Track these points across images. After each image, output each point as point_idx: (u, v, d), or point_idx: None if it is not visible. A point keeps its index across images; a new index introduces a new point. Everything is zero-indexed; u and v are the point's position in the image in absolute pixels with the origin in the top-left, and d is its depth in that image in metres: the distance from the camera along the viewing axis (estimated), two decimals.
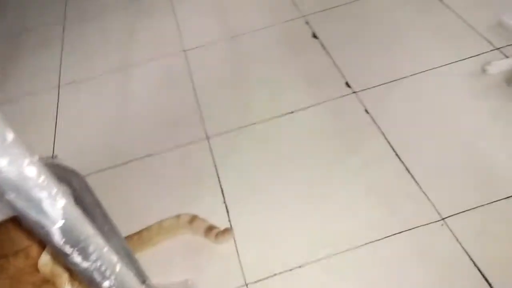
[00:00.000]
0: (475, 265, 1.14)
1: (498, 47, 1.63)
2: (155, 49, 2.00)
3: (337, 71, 1.68)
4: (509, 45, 1.62)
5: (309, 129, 1.52)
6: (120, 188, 1.49)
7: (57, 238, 0.50)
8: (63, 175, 0.71)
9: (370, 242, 1.22)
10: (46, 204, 0.48)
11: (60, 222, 0.50)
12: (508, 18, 1.66)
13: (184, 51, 1.94)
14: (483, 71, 1.55)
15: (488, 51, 1.62)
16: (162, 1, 2.27)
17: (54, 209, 0.48)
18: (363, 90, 1.59)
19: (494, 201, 1.25)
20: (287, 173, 1.41)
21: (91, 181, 1.53)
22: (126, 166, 1.55)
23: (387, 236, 1.22)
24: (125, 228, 1.25)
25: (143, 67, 1.93)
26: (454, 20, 1.78)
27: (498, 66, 1.54)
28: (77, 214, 0.52)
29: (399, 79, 1.60)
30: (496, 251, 1.17)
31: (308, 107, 1.58)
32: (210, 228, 1.24)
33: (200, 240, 1.28)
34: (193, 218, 1.26)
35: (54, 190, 0.48)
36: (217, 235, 1.23)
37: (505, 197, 1.25)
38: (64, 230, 0.50)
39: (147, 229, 1.25)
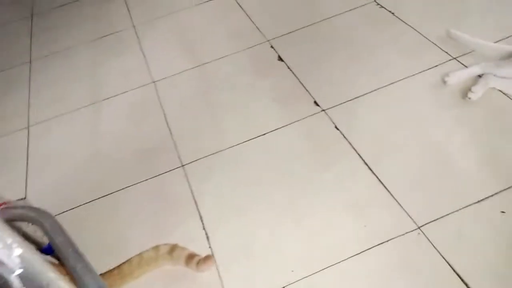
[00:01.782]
0: (454, 271, 1.16)
1: (455, 56, 1.70)
2: (125, 83, 2.00)
3: (305, 91, 1.71)
4: (464, 54, 1.70)
5: (283, 149, 1.54)
6: (96, 223, 1.47)
7: (16, 286, 0.50)
8: (34, 216, 0.70)
9: (351, 256, 1.23)
10: (2, 254, 0.48)
11: (18, 271, 0.50)
12: (455, 30, 1.74)
13: (154, 82, 1.95)
14: (443, 82, 1.61)
15: (445, 61, 1.69)
16: (128, 37, 2.29)
17: (11, 258, 0.49)
18: (331, 107, 1.62)
19: (466, 206, 1.29)
20: (265, 194, 1.42)
21: (67, 218, 1.51)
22: (101, 201, 1.53)
23: (368, 249, 1.24)
24: (105, 262, 1.23)
25: (113, 101, 1.93)
26: (410, 33, 1.86)
27: (457, 76, 1.60)
28: (36, 261, 0.52)
29: (364, 94, 1.64)
30: (473, 255, 1.20)
31: (280, 127, 1.60)
32: (191, 257, 1.23)
33: (181, 270, 1.26)
34: (173, 248, 1.25)
35: (9, 240, 0.49)
36: (198, 263, 1.21)
37: (477, 201, 1.29)
38: (24, 278, 0.50)
39: (128, 262, 1.23)
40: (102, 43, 2.29)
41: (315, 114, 1.62)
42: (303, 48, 1.93)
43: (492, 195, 1.30)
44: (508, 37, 1.72)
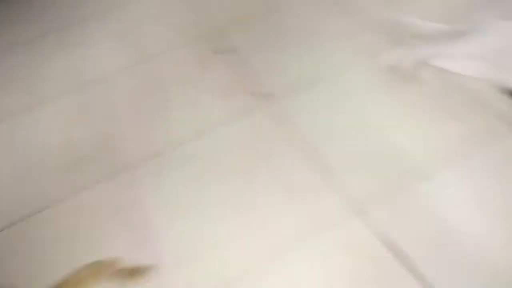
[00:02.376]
0: (395, 248, 1.18)
1: (397, 38, 1.67)
2: (63, 84, 1.89)
3: (251, 83, 1.65)
4: (406, 36, 1.67)
5: (230, 143, 1.49)
6: (31, 241, 1.39)
7: None
8: None
9: (297, 246, 1.23)
10: None
11: None
12: (399, 13, 1.71)
13: (94, 81, 1.85)
14: (387, 63, 1.58)
15: (388, 44, 1.67)
16: (71, 33, 2.16)
17: None
18: (280, 98, 1.58)
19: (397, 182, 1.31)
20: (213, 191, 1.39)
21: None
22: (38, 216, 1.44)
23: (313, 236, 1.24)
24: (42, 282, 1.16)
25: (52, 105, 1.82)
26: (354, 17, 1.81)
27: (399, 57, 1.58)
28: None
29: (310, 83, 1.60)
30: (415, 230, 1.21)
31: (224, 122, 1.55)
32: (133, 270, 1.17)
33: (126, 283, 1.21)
34: (114, 262, 1.18)
35: None
36: (139, 274, 1.16)
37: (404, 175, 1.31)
38: None
39: (65, 282, 1.16)
40: (44, 41, 2.16)
41: (259, 106, 1.57)
42: (250, 39, 1.85)
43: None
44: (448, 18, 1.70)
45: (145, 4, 2.17)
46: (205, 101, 1.64)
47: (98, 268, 1.18)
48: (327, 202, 1.29)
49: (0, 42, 2.20)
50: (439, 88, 1.50)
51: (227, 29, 1.90)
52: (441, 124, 1.42)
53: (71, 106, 1.77)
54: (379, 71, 1.59)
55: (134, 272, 1.17)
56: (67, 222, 1.41)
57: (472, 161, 1.33)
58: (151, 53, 1.91)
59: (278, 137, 1.47)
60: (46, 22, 2.22)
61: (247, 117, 1.55)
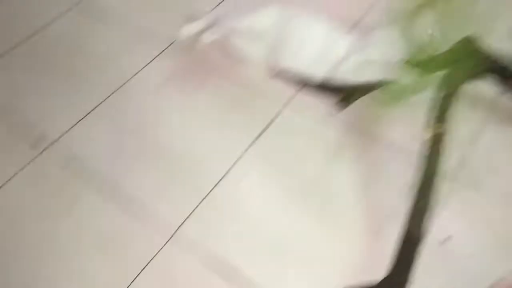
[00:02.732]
0: (220, 261, 1.13)
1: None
2: None
3: (21, 132, 1.47)
4: None
5: (12, 207, 1.31)
6: None
7: None
8: None
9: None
10: None
11: None
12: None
13: None
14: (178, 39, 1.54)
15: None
16: None
17: None
18: (55, 141, 1.42)
19: (210, 191, 1.27)
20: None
21: None
22: None
23: (137, 276, 1.14)
24: None
25: None
26: (128, 27, 1.74)
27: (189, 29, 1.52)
28: None
29: (92, 110, 1.49)
30: (230, 237, 1.19)
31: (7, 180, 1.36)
32: None
33: None
34: None
35: None
36: None
37: (215, 184, 1.28)
38: None
39: None
40: None
41: (38, 155, 1.40)
42: (11, 77, 1.65)
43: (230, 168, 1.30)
44: None
45: None
46: None
47: None
48: (143, 237, 1.20)
49: None
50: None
51: None
52: (227, 117, 1.43)
53: None
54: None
55: None
56: None
57: (258, 149, 1.35)
58: None
59: (69, 184, 1.33)
60: None
61: (27, 171, 1.37)
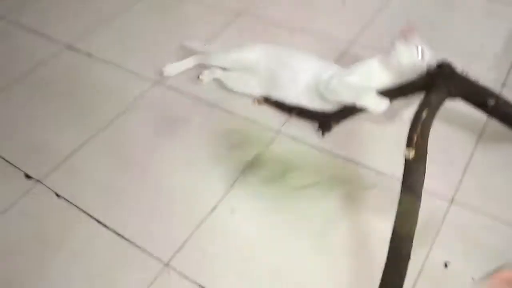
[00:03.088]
0: None
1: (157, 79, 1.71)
2: None
3: (10, 166, 1.49)
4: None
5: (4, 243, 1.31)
6: None
7: None
8: None
9: None
10: None
11: None
12: (188, 43, 1.80)
13: None
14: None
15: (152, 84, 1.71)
16: None
17: None
18: (46, 175, 1.44)
19: (201, 222, 1.27)
20: None
21: None
22: None
23: None
24: None
25: None
26: (111, 70, 1.80)
27: (174, 68, 1.70)
28: None
29: (80, 146, 1.51)
30: (223, 270, 1.18)
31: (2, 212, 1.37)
32: None
33: None
34: None
35: None
36: None
37: (208, 214, 1.28)
38: None
39: None
40: None
41: (30, 189, 1.41)
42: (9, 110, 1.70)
43: (220, 200, 1.31)
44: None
45: None
46: None
47: None
48: (132, 268, 1.20)
49: None
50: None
51: None
52: (215, 151, 1.46)
53: None
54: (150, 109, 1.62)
55: None
56: None
57: (248, 181, 1.36)
58: None
59: (62, 216, 1.33)
60: None
61: (20, 204, 1.38)
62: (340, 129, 1.45)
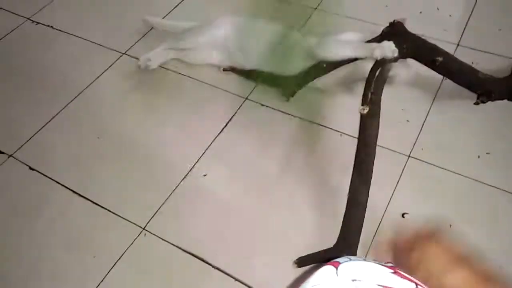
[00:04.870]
0: (186, 251, 1.19)
1: (127, 49, 1.72)
2: None
3: None
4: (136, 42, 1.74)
5: None
6: None
7: None
8: None
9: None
10: None
11: None
12: (150, 18, 1.78)
13: None
14: (140, 67, 1.62)
15: (124, 52, 1.71)
16: None
17: None
18: (18, 149, 1.45)
19: (175, 188, 1.32)
20: None
21: None
22: None
23: (108, 273, 1.18)
24: None
25: None
26: (78, 42, 1.78)
27: (153, 58, 1.63)
28: None
29: (50, 120, 1.52)
30: (192, 227, 1.25)
31: None
32: None
33: None
34: None
35: None
36: None
37: (182, 179, 1.33)
38: None
39: None
40: None
41: (2, 163, 1.43)
42: None
43: (194, 164, 1.36)
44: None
45: None
46: None
47: None
48: (110, 234, 1.25)
49: None
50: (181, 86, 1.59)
51: None
52: (187, 117, 1.50)
53: None
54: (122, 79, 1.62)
55: None
56: None
57: (221, 141, 1.43)
58: None
59: (35, 188, 1.35)
60: None
61: None
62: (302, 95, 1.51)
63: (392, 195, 1.25)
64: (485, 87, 1.27)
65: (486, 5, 1.72)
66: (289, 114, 1.46)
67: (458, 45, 1.59)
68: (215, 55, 1.60)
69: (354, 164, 1.05)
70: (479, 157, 1.31)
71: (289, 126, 1.44)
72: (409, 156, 1.32)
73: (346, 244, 1.02)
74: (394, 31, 1.23)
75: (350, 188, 1.05)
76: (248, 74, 1.56)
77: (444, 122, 1.41)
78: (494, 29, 1.63)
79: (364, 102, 0.98)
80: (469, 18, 1.67)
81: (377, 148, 1.29)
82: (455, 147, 1.35)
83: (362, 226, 1.01)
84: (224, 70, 1.60)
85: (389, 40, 1.19)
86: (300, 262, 1.12)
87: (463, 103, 1.38)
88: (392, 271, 0.67)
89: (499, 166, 1.29)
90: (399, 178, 1.28)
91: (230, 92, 1.54)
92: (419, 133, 1.37)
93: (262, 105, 1.49)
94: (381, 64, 1.06)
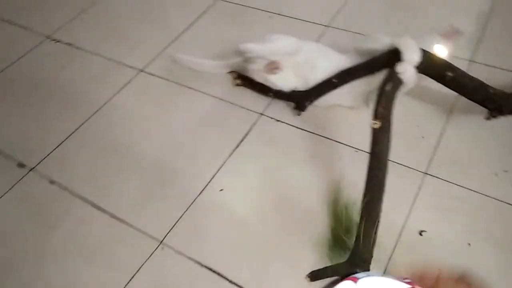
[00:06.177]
0: (206, 267, 1.20)
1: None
2: None
3: (4, 155, 1.54)
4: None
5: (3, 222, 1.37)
6: None
7: None
8: None
9: None
10: None
11: None
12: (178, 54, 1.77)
13: None
14: None
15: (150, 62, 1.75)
16: None
17: None
18: (39, 163, 1.49)
19: (191, 203, 1.34)
20: None
21: None
22: None
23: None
24: None
25: None
26: (94, 59, 1.84)
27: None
28: None
29: (70, 135, 1.56)
30: (214, 244, 1.25)
31: None
32: None
33: None
34: None
35: None
36: None
37: (199, 193, 1.35)
38: None
39: None
40: None
41: (23, 176, 1.46)
42: None
43: (211, 179, 1.38)
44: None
45: None
46: None
47: None
48: (127, 247, 1.26)
49: None
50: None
51: None
52: (205, 129, 1.53)
53: None
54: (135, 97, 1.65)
55: None
56: None
57: (237, 157, 1.44)
58: None
59: (57, 202, 1.39)
60: None
61: (15, 192, 1.43)
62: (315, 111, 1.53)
63: (409, 212, 1.25)
64: (496, 102, 1.27)
65: (500, 20, 1.74)
66: (305, 130, 1.47)
67: (471, 61, 1.60)
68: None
69: (366, 179, 1.06)
70: (496, 174, 1.31)
71: (304, 141, 1.45)
72: (425, 173, 1.32)
73: (358, 259, 1.03)
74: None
75: (362, 202, 1.05)
76: (260, 89, 1.58)
77: (460, 139, 1.41)
78: (507, 45, 1.64)
79: (375, 116, 0.99)
80: (482, 34, 1.69)
81: (394, 165, 1.31)
82: (471, 164, 1.35)
83: (375, 241, 1.02)
84: (237, 85, 1.62)
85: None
86: (313, 276, 1.13)
87: (478, 119, 1.39)
88: (410, 286, 0.68)
89: None
90: (417, 195, 1.28)
91: (245, 108, 1.56)
92: (435, 150, 1.38)
93: (278, 120, 1.52)
94: (391, 79, 1.07)
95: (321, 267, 1.14)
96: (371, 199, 1.02)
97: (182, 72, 1.72)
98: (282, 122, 1.51)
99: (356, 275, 0.71)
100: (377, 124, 1.00)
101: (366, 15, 1.83)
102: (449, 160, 1.36)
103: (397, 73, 1.11)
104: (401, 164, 1.33)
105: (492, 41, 1.67)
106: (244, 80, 1.61)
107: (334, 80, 1.39)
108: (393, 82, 1.07)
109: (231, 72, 1.64)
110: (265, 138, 1.48)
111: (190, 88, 1.66)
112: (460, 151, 1.38)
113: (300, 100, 1.52)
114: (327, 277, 1.12)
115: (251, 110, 1.55)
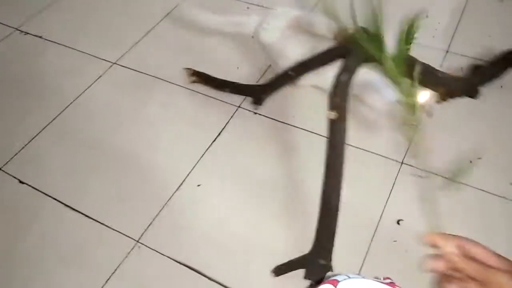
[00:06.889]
0: (181, 263, 1.18)
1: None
2: None
3: None
4: None
5: None
6: None
7: None
8: None
9: None
10: None
11: None
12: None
13: None
14: None
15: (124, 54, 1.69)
16: None
17: None
18: (6, 163, 1.43)
19: (168, 198, 1.31)
20: None
21: None
22: None
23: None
24: None
25: None
26: (66, 51, 1.78)
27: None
28: None
29: (43, 128, 1.51)
30: (187, 238, 1.23)
31: None
32: None
33: None
34: None
35: None
36: None
37: (176, 189, 1.32)
38: None
39: None
40: None
41: None
42: None
43: (188, 174, 1.36)
44: None
45: None
46: None
47: None
48: (104, 248, 1.23)
49: None
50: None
51: None
52: (180, 126, 1.49)
53: None
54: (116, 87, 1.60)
55: None
56: None
57: (214, 151, 1.42)
58: None
59: (27, 202, 1.33)
60: None
61: None
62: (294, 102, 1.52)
63: (386, 202, 1.25)
64: (444, 86, 1.27)
65: (475, 11, 1.74)
66: (283, 122, 1.46)
67: (447, 51, 1.60)
68: None
69: (324, 169, 1.04)
70: (471, 162, 1.31)
71: (282, 134, 1.44)
72: (402, 163, 1.33)
73: (321, 249, 1.02)
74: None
75: (321, 191, 1.04)
76: (217, 85, 1.56)
77: (434, 127, 1.40)
78: (483, 36, 1.65)
79: (331, 107, 0.98)
80: (457, 25, 1.69)
81: (370, 155, 1.32)
82: (446, 152, 1.34)
83: (335, 230, 1.01)
84: (193, 82, 1.58)
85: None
86: (277, 270, 1.12)
87: (450, 105, 1.38)
88: (391, 287, 0.67)
89: (490, 171, 1.30)
90: (393, 185, 1.28)
91: (222, 101, 1.54)
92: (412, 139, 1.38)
93: (255, 113, 1.50)
94: (346, 69, 1.06)
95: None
96: (329, 188, 1.01)
97: (157, 65, 1.68)
98: (260, 114, 1.49)
99: (336, 277, 0.71)
100: (333, 115, 0.99)
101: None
102: (425, 149, 1.36)
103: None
104: (378, 154, 1.34)
105: (468, 31, 1.67)
106: (200, 77, 1.58)
107: (290, 73, 1.37)
108: (348, 72, 1.07)
109: (186, 68, 1.60)
110: (243, 131, 1.46)
111: (165, 80, 1.62)
112: (435, 140, 1.36)
113: (257, 94, 1.51)
114: (291, 270, 1.11)
115: (228, 103, 1.53)
